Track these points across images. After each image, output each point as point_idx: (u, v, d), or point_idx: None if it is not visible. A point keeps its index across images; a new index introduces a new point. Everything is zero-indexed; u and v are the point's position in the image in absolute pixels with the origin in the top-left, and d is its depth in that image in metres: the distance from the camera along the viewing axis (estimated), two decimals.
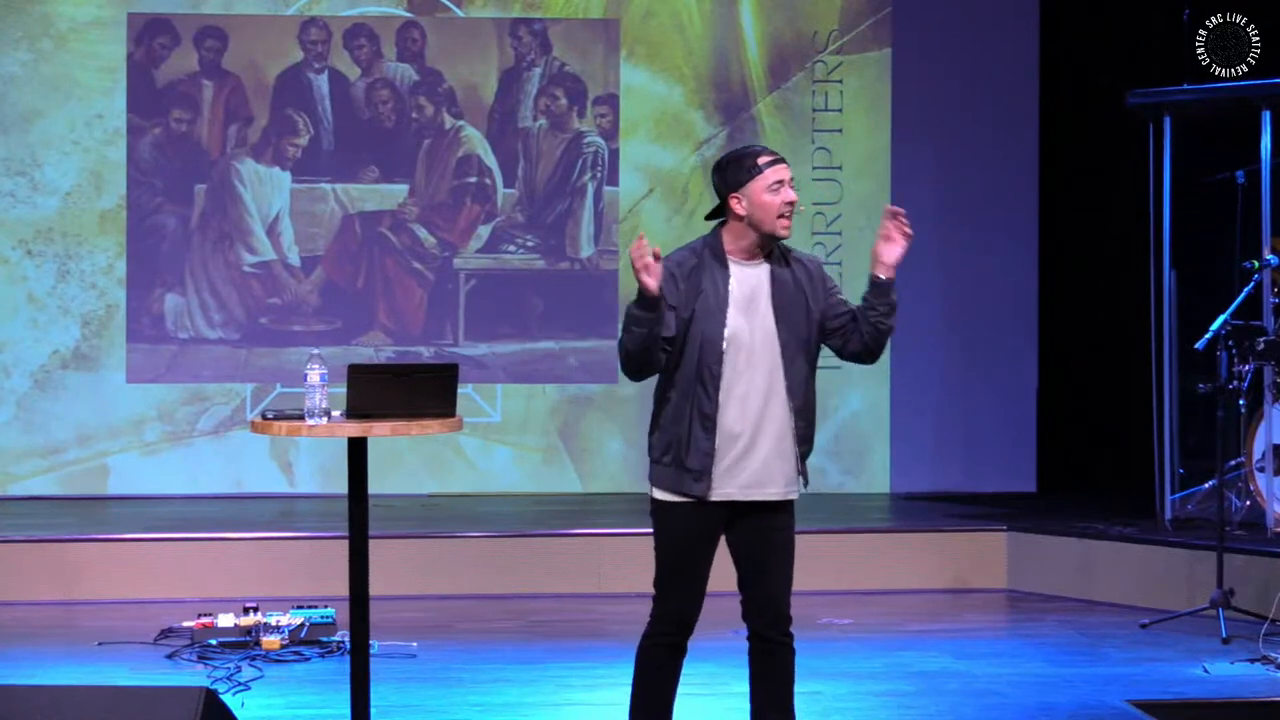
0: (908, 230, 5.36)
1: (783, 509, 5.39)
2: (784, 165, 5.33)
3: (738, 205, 5.30)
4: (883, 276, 5.39)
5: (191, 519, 9.77)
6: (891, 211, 5.38)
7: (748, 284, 5.32)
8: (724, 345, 5.27)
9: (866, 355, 5.44)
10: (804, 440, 5.38)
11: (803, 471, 5.41)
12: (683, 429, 5.27)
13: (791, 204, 5.30)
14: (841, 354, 5.46)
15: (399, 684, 7.15)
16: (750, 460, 5.30)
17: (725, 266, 5.32)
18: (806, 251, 5.51)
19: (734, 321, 5.28)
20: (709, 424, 5.27)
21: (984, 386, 11.13)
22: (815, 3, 11.08)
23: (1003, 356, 11.13)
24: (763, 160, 5.31)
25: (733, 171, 5.32)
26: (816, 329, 5.39)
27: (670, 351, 5.28)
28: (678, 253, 5.36)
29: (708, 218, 5.44)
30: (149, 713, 5.19)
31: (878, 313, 5.39)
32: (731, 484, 5.31)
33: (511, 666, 7.54)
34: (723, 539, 5.40)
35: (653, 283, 5.14)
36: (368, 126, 10.95)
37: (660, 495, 5.35)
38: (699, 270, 5.30)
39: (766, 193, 5.28)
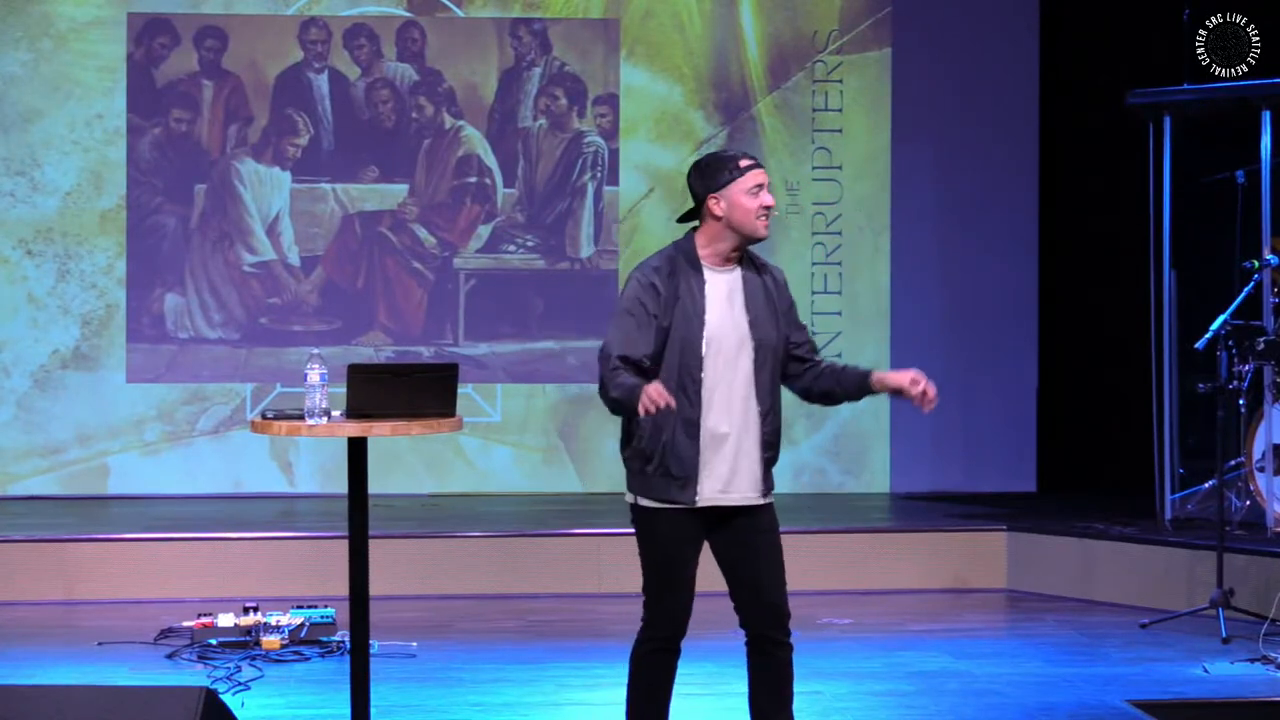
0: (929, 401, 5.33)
1: (765, 511, 5.40)
2: (762, 170, 5.35)
3: (716, 206, 5.31)
4: (876, 389, 5.39)
5: (191, 519, 9.77)
6: (928, 400, 5.32)
7: (722, 288, 5.33)
8: (703, 350, 5.28)
9: (806, 398, 5.49)
10: (770, 445, 5.37)
11: (768, 479, 5.38)
12: (667, 436, 5.27)
13: (769, 208, 5.33)
14: (787, 383, 5.47)
15: (399, 684, 7.16)
16: (733, 464, 5.30)
17: (700, 271, 5.33)
18: (775, 264, 5.53)
19: (712, 326, 5.29)
20: (693, 430, 5.27)
21: (984, 386, 11.12)
22: (815, 3, 11.08)
23: (1003, 356, 11.13)
24: (743, 163, 5.33)
25: (711, 173, 5.33)
26: (783, 339, 5.41)
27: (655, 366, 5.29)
28: (653, 259, 5.38)
29: (680, 220, 5.45)
30: (149, 713, 5.19)
31: (844, 397, 5.45)
32: (716, 489, 5.31)
33: (511, 666, 7.54)
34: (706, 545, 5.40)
35: (644, 411, 5.13)
36: (368, 126, 10.95)
37: (645, 502, 5.34)
38: (675, 276, 5.30)
39: (745, 195, 5.30)
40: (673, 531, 5.32)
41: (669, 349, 5.28)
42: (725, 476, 5.30)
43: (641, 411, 5.11)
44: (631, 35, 11.05)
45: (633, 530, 5.42)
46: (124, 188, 10.77)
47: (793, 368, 5.45)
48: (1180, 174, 9.52)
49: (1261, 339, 8.91)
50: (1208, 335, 8.59)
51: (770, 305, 5.38)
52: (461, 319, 11.00)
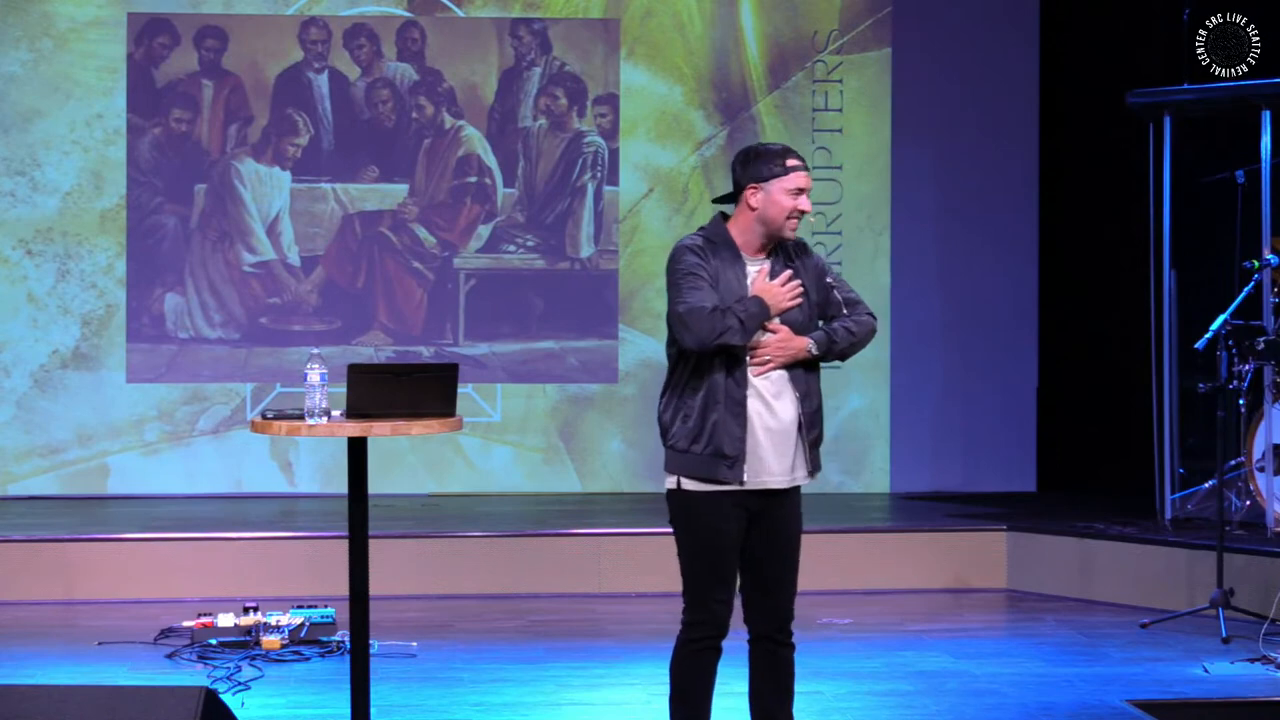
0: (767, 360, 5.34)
1: (795, 500, 5.41)
2: (808, 174, 5.36)
3: (753, 197, 5.33)
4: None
5: (191, 519, 9.78)
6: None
7: (759, 278, 5.34)
8: None
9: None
10: (811, 426, 5.39)
11: (814, 459, 5.41)
12: (717, 416, 5.26)
13: (804, 212, 5.34)
14: None
15: (399, 684, 7.16)
16: (772, 447, 5.31)
17: (739, 257, 5.34)
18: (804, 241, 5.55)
19: None
20: (740, 410, 5.27)
21: (984, 386, 11.13)
22: (815, 3, 11.08)
23: (1003, 356, 11.13)
24: (791, 162, 5.35)
25: (757, 164, 5.34)
26: (814, 320, 5.43)
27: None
28: (693, 239, 5.35)
29: (716, 201, 5.46)
30: (149, 713, 5.19)
31: (839, 344, 5.48)
32: (760, 470, 5.30)
33: (511, 666, 7.54)
34: None
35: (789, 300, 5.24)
36: (368, 126, 10.95)
37: (689, 485, 5.32)
38: (716, 254, 5.31)
39: (785, 194, 5.32)
40: (718, 515, 5.29)
41: None
42: (768, 459, 5.30)
43: (788, 301, 5.22)
44: (631, 35, 11.05)
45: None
46: (124, 188, 10.77)
47: None
48: (1180, 174, 9.52)
49: (1261, 339, 8.91)
50: (1208, 335, 8.59)
51: (806, 294, 5.38)
52: (461, 319, 11.00)
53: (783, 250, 5.42)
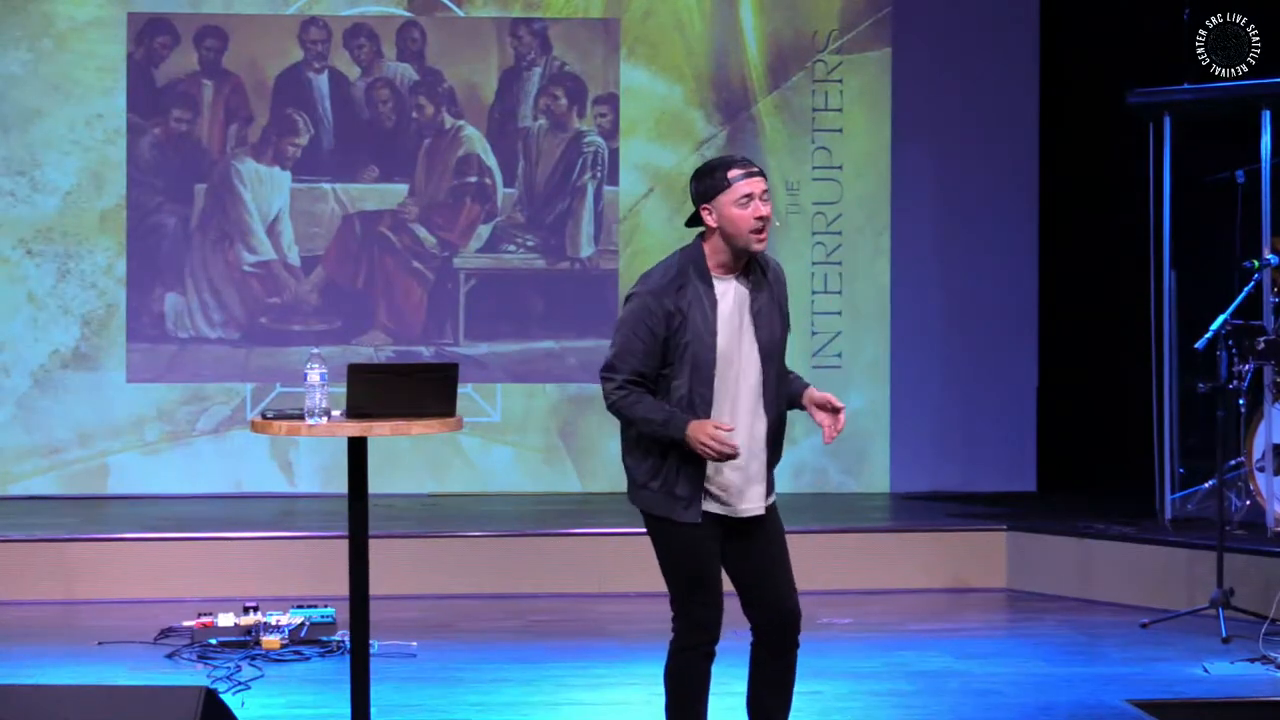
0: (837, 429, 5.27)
1: (771, 513, 5.34)
2: (757, 179, 5.17)
3: (708, 217, 5.19)
4: (804, 405, 5.33)
5: (191, 519, 9.78)
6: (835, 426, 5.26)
7: (731, 301, 5.22)
8: (714, 368, 5.18)
9: None
10: (774, 448, 5.32)
11: (770, 481, 5.32)
12: (674, 456, 5.17)
13: (763, 219, 5.16)
14: None
15: (399, 684, 7.16)
16: (742, 476, 5.24)
17: (710, 285, 5.20)
18: (774, 258, 5.42)
19: (723, 342, 5.18)
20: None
21: (984, 386, 11.12)
22: (815, 3, 11.08)
23: (1003, 356, 11.13)
24: (733, 173, 5.16)
25: (705, 181, 5.20)
26: (785, 339, 5.32)
27: (661, 380, 5.20)
28: (658, 277, 5.21)
29: (687, 224, 5.34)
30: (149, 713, 5.19)
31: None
32: (724, 503, 5.24)
33: (511, 666, 7.54)
34: None
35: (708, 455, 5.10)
36: (368, 126, 10.95)
37: (657, 512, 5.27)
38: (684, 290, 5.17)
39: (734, 206, 5.14)
40: (691, 532, 5.23)
41: (680, 367, 5.16)
42: (734, 491, 5.23)
43: (712, 455, 5.07)
44: (631, 35, 11.05)
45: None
46: (124, 188, 10.77)
47: None
48: (1180, 174, 9.52)
49: (1261, 339, 8.91)
50: (1208, 335, 8.59)
51: (775, 310, 5.29)
52: (461, 319, 11.00)
53: (756, 266, 5.28)
